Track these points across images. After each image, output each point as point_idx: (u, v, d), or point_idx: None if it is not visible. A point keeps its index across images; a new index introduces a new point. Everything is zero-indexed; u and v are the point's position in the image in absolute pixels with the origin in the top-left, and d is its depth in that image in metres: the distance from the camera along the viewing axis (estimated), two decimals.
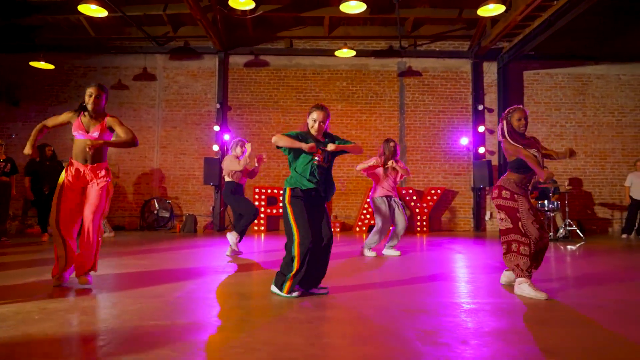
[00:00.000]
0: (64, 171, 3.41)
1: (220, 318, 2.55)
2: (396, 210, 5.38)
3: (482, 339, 2.18)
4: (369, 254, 5.34)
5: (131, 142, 3.44)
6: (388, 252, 5.46)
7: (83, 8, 6.45)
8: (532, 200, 8.39)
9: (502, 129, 3.37)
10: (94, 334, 2.23)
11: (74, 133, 3.44)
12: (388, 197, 5.39)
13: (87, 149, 3.25)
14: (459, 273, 4.27)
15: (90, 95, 3.41)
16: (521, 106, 3.47)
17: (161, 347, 2.02)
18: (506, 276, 3.55)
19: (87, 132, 3.41)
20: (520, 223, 3.23)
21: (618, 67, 9.92)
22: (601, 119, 9.94)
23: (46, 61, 8.95)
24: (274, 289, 3.11)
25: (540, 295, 3.04)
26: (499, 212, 3.39)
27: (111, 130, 3.50)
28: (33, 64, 8.88)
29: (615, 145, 9.86)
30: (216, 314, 2.65)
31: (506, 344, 2.11)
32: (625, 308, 2.90)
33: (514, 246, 3.25)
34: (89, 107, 3.43)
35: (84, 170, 3.40)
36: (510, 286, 3.42)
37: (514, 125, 3.35)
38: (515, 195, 3.29)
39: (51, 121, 3.57)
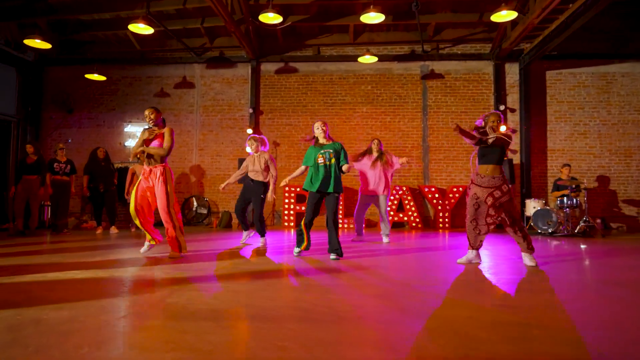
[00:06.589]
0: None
1: (248, 279, 3.17)
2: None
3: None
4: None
5: (159, 154, 4.26)
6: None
7: (132, 27, 7.26)
8: (552, 197, 8.65)
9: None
10: (164, 281, 2.86)
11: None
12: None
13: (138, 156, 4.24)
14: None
15: (146, 117, 4.36)
16: (498, 111, 4.18)
17: (204, 286, 2.62)
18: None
19: (150, 142, 4.33)
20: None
21: None
22: (626, 117, 9.98)
23: (98, 73, 9.92)
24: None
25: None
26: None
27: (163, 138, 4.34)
28: (88, 76, 9.86)
29: None
30: (245, 276, 3.27)
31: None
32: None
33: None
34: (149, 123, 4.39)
35: (146, 171, 4.31)
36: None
37: (488, 125, 4.04)
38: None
39: (136, 147, 4.31)
